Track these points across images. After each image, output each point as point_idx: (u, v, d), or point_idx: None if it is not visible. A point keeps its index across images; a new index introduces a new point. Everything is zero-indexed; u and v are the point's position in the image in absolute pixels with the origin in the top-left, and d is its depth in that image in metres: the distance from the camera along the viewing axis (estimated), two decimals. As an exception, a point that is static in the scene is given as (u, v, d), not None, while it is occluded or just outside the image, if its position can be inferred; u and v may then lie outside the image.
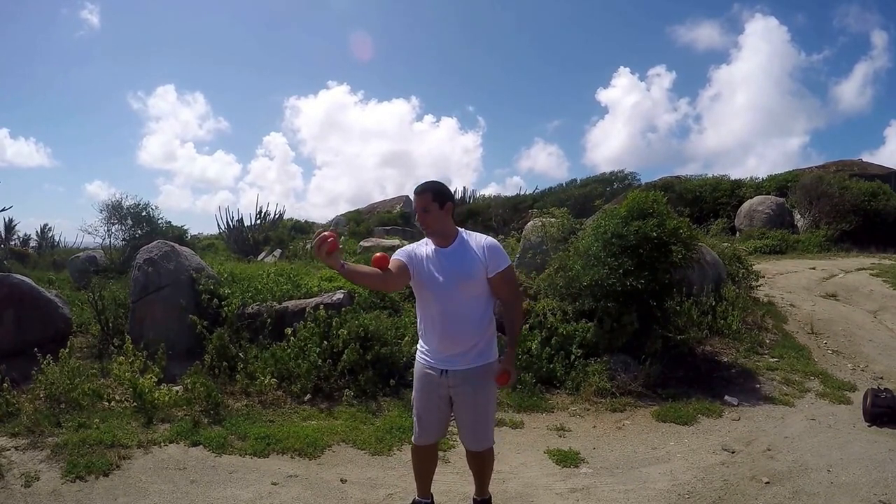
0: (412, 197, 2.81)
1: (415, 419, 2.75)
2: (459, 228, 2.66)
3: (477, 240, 2.60)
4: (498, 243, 2.64)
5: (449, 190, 2.69)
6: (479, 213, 17.84)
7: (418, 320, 2.70)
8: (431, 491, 2.96)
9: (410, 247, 2.68)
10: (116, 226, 11.36)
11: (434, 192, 2.56)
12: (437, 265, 2.55)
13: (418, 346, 2.73)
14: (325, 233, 2.30)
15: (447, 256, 2.55)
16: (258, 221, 14.23)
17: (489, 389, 2.63)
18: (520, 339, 2.61)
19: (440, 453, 3.75)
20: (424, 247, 2.63)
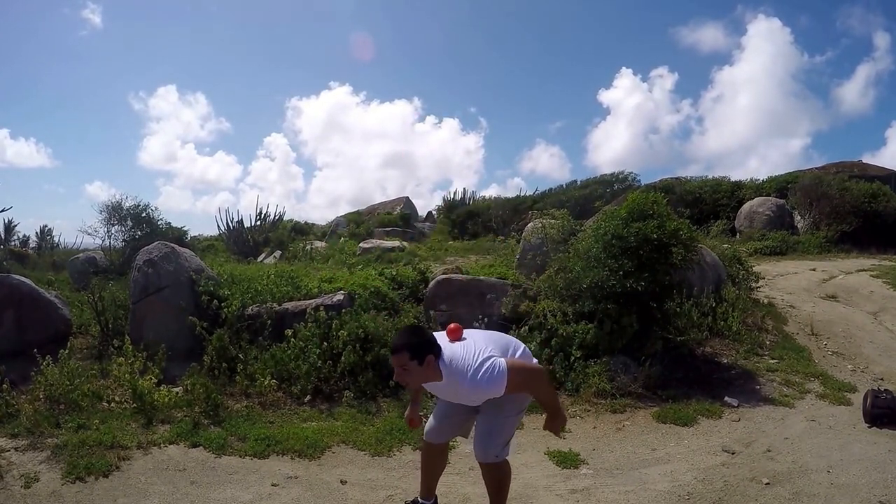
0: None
1: (432, 414, 2.72)
2: (443, 368, 2.41)
3: (462, 379, 2.39)
4: (482, 378, 2.36)
5: (428, 338, 2.44)
6: (479, 215, 17.80)
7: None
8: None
9: None
10: (116, 227, 11.32)
11: (411, 351, 2.36)
12: (442, 392, 2.60)
13: None
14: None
15: (444, 388, 2.51)
16: (258, 223, 14.23)
17: (514, 408, 2.58)
18: (551, 401, 2.57)
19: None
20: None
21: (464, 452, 3.70)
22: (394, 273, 6.74)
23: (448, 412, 2.66)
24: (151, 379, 4.42)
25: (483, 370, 2.34)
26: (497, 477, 2.67)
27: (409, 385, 2.53)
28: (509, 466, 2.70)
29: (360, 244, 12.77)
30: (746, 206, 15.04)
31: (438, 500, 2.98)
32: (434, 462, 2.84)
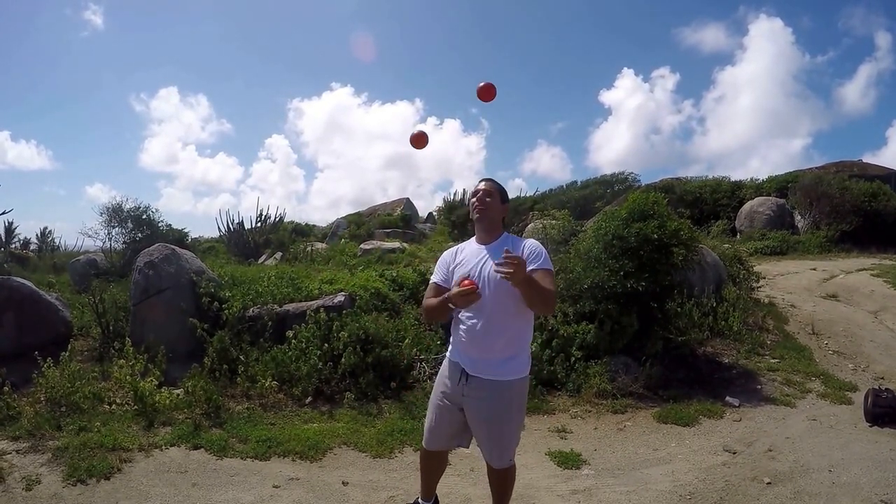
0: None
1: (427, 421, 2.67)
2: (506, 232, 2.61)
3: (521, 243, 2.51)
4: (541, 247, 2.52)
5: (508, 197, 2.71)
6: (479, 215, 17.78)
7: (454, 317, 2.57)
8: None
9: (446, 257, 2.63)
10: (117, 229, 11.35)
11: (500, 188, 2.61)
12: (479, 263, 2.47)
13: (450, 345, 2.63)
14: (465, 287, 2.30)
15: (492, 254, 2.46)
16: (258, 224, 14.24)
17: (513, 403, 2.48)
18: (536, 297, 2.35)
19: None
20: (466, 246, 2.62)
21: (464, 453, 3.69)
22: (394, 274, 6.74)
23: (444, 418, 2.59)
24: (152, 381, 4.41)
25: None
26: (508, 480, 2.66)
27: (483, 212, 2.54)
28: (515, 467, 2.69)
29: (361, 245, 12.79)
30: (747, 206, 15.06)
31: (440, 501, 2.97)
32: (433, 466, 2.82)
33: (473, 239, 2.63)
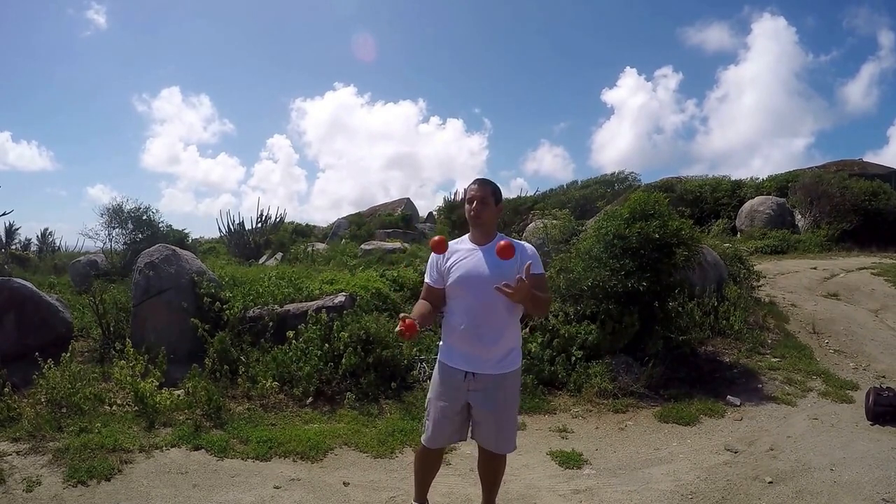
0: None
1: (429, 421, 2.66)
2: (499, 234, 2.64)
3: (521, 248, 2.56)
4: (534, 250, 2.61)
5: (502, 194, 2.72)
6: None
7: (444, 320, 2.62)
8: (432, 491, 2.93)
9: (437, 256, 2.64)
10: (117, 230, 11.36)
11: (494, 189, 2.60)
12: (472, 262, 2.52)
13: (440, 346, 2.66)
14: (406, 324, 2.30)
15: (485, 253, 2.51)
16: (259, 225, 14.25)
17: (514, 393, 2.61)
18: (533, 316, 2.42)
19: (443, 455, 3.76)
20: (460, 245, 2.62)
21: (465, 453, 3.69)
22: (395, 274, 6.74)
23: (446, 413, 2.61)
24: (153, 382, 4.41)
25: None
26: (503, 466, 2.77)
27: (479, 217, 2.56)
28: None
29: (362, 246, 12.79)
30: (747, 205, 15.05)
31: (440, 501, 2.97)
32: (433, 463, 2.83)
33: (466, 237, 2.65)
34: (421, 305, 2.57)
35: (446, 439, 2.70)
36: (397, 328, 2.30)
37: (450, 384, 2.57)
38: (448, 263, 2.57)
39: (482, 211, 2.55)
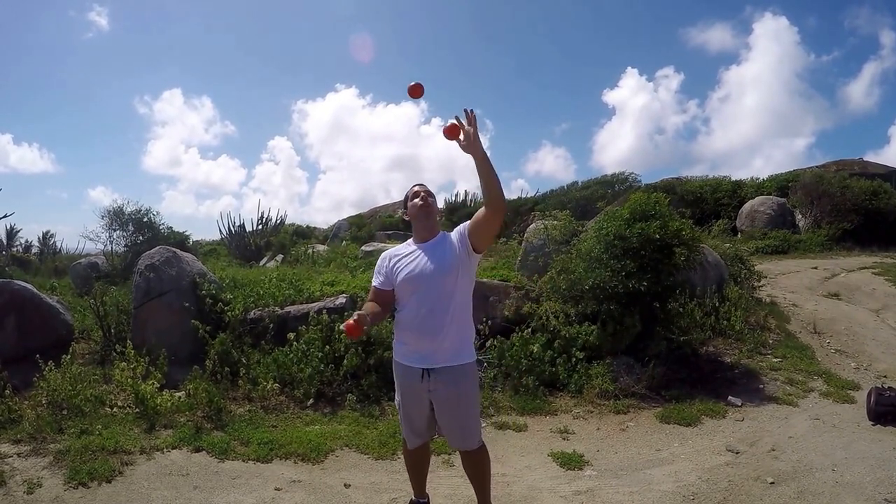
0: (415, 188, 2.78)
1: (403, 423, 2.73)
2: (442, 231, 2.70)
3: (453, 235, 2.62)
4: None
5: None
6: (480, 216, 17.75)
7: (396, 318, 2.67)
8: (434, 493, 2.95)
9: (383, 259, 2.71)
10: (118, 232, 11.36)
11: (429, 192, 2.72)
12: (417, 260, 2.58)
13: (394, 344, 2.70)
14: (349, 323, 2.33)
15: (427, 251, 2.58)
16: (259, 227, 14.25)
17: (472, 387, 2.63)
18: (491, 182, 2.35)
19: (444, 457, 3.76)
20: (403, 248, 2.69)
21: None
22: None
23: (414, 414, 2.67)
24: (154, 383, 4.41)
25: None
26: (484, 462, 2.73)
27: (429, 211, 2.65)
28: (487, 450, 2.75)
29: (362, 247, 12.76)
30: (747, 206, 15.04)
31: (442, 501, 2.98)
32: (420, 460, 2.87)
33: (409, 241, 2.72)
34: (370, 305, 2.61)
35: (422, 437, 2.74)
36: (342, 325, 2.36)
37: (410, 386, 2.61)
38: (393, 266, 2.63)
39: (430, 201, 2.66)
